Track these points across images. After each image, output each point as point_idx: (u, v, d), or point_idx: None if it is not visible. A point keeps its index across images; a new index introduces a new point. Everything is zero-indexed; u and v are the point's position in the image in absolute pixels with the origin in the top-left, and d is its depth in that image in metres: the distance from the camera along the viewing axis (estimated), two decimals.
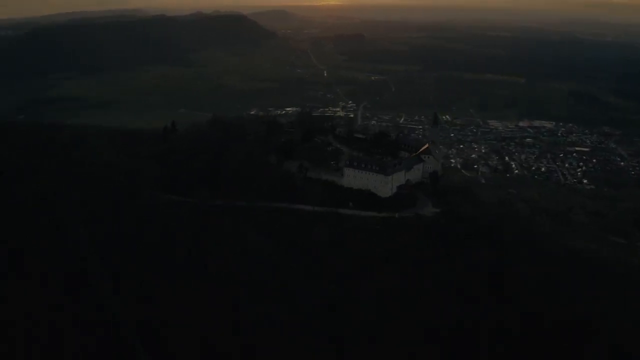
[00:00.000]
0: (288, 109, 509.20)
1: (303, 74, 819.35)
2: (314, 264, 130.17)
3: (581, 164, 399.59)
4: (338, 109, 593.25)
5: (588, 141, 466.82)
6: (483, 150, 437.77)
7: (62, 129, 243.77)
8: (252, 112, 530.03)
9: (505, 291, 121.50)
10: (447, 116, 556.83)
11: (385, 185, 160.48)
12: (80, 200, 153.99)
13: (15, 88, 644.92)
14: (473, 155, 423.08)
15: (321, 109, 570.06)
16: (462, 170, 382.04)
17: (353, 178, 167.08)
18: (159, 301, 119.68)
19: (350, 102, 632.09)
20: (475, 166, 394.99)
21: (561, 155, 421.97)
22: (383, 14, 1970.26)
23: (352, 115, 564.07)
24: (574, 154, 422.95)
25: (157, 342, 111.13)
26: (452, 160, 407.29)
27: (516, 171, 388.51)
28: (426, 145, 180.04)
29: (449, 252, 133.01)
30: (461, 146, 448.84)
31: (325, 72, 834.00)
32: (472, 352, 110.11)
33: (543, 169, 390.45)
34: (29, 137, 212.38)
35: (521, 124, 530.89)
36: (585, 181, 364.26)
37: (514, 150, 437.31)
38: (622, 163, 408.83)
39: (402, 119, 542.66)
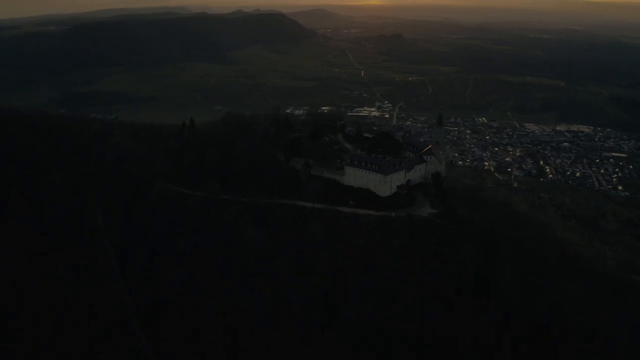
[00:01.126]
0: (324, 107, 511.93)
1: (341, 73, 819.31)
2: (306, 259, 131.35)
3: (617, 169, 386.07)
4: (374, 109, 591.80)
5: (625, 147, 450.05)
6: (518, 154, 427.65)
7: (85, 123, 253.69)
8: (288, 111, 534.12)
9: (491, 293, 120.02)
10: (483, 118, 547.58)
11: (384, 185, 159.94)
12: (93, 192, 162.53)
13: (58, 83, 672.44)
14: (507, 159, 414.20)
15: (356, 109, 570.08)
16: (496, 174, 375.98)
17: (354, 177, 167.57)
18: (159, 290, 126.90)
19: (386, 102, 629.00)
20: (509, 169, 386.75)
21: (597, 160, 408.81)
22: (424, 14, 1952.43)
23: (387, 116, 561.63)
24: (610, 160, 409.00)
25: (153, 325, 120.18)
26: (486, 163, 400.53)
27: (550, 176, 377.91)
28: (429, 146, 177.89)
29: (438, 252, 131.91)
30: (496, 149, 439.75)
31: (362, 71, 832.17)
32: (456, 354, 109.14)
33: (578, 174, 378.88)
34: (56, 131, 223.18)
35: (558, 127, 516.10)
36: (620, 187, 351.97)
37: (549, 155, 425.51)
38: None
39: None
